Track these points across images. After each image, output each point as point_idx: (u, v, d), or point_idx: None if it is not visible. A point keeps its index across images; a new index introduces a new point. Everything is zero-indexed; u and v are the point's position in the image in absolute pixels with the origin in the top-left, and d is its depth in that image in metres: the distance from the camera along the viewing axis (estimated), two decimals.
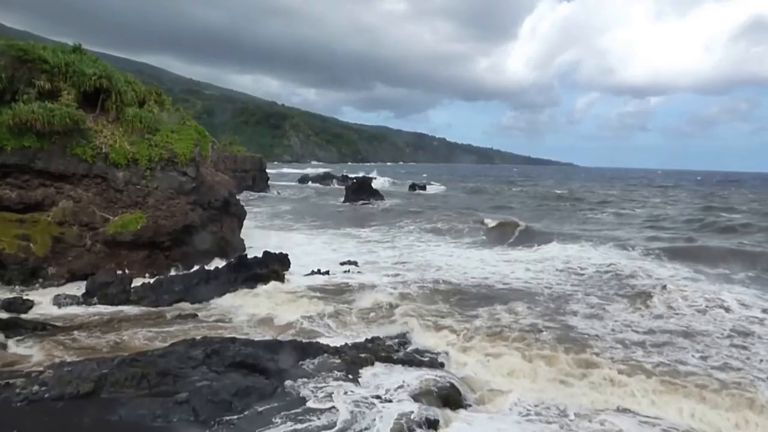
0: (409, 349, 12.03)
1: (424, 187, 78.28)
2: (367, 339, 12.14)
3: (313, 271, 19.31)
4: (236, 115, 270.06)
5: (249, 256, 18.18)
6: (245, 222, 23.00)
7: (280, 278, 17.73)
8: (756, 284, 19.11)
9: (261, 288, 16.73)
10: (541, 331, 13.17)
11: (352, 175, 78.52)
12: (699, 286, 18.52)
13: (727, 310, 15.27)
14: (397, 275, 19.54)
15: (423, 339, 12.66)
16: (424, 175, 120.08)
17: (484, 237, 29.57)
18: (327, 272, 19.42)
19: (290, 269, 18.57)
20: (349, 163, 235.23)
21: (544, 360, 11.34)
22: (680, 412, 9.42)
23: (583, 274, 20.40)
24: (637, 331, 13.46)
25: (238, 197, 23.01)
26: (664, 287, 17.66)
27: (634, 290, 17.87)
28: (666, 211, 45.54)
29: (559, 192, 73.64)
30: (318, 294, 16.51)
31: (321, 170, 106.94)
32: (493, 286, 18.57)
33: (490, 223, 31.32)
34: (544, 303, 16.11)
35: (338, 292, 16.77)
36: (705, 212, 44.54)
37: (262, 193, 60.19)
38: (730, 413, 9.38)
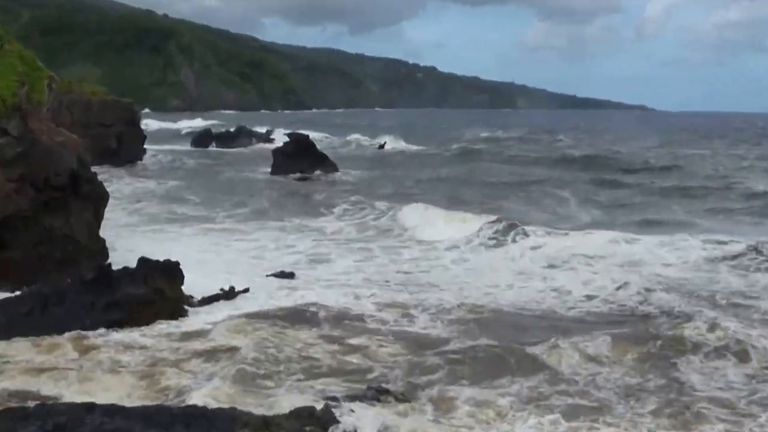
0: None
1: (383, 147, 69.78)
2: (316, 403, 9.09)
3: (222, 289, 15.78)
4: (90, 33, 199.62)
5: (115, 267, 14.63)
6: (107, 211, 18.89)
7: (170, 305, 13.68)
8: None
9: (135, 332, 12.36)
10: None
11: (285, 132, 64.56)
12: None
13: None
14: (372, 295, 15.54)
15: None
16: (396, 130, 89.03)
17: (492, 231, 24.20)
18: (246, 290, 15.85)
19: (184, 286, 14.76)
20: (279, 111, 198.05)
21: None
22: None
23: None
24: None
25: (94, 170, 19.04)
26: None
27: None
28: None
29: (623, 155, 56.43)
30: (232, 333, 12.93)
31: (232, 124, 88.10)
32: (549, 309, 15.14)
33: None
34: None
35: (268, 327, 13.05)
36: None
37: (134, 162, 48.69)
38: None
